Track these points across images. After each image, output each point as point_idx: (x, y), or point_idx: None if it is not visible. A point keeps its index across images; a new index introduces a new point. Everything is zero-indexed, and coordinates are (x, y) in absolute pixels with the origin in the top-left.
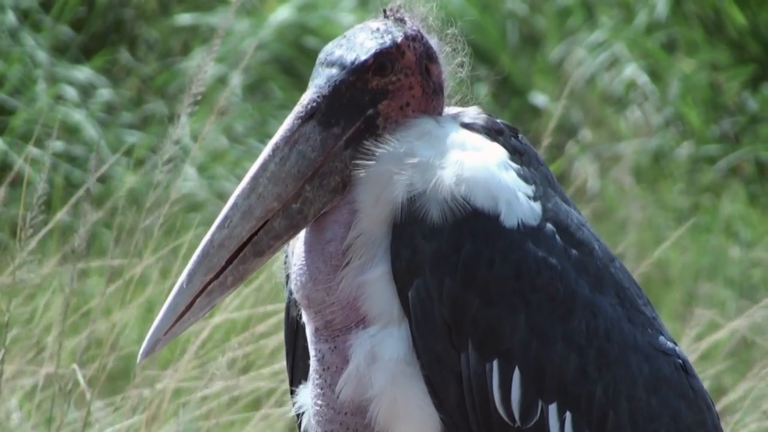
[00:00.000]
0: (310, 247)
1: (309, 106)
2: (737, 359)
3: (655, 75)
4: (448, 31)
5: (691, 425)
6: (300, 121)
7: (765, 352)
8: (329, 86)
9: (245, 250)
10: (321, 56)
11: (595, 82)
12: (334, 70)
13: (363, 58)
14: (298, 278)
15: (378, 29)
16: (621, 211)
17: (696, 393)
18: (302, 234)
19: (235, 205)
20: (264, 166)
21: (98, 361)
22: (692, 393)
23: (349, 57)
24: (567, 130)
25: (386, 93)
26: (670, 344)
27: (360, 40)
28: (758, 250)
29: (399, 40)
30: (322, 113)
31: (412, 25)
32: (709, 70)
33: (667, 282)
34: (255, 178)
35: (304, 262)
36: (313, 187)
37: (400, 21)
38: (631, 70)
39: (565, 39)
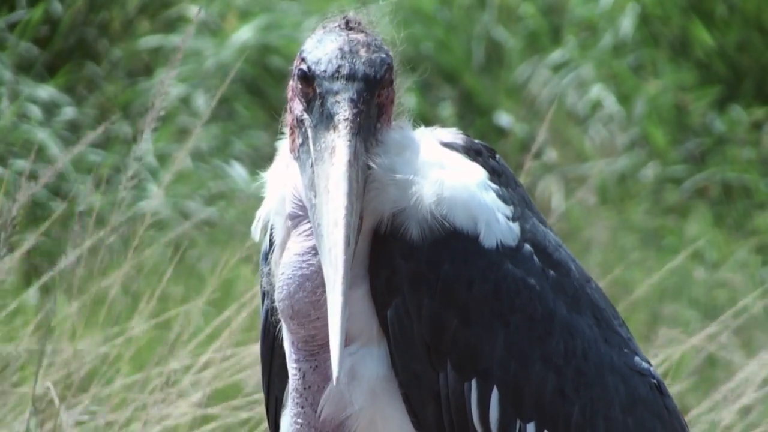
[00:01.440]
0: (301, 257)
1: (356, 122)
2: (701, 378)
3: (621, 95)
4: (392, 41)
5: None
6: (355, 137)
7: (727, 369)
8: (363, 101)
9: None
10: (325, 69)
11: (561, 102)
12: (362, 85)
13: (381, 72)
14: (285, 287)
15: (369, 43)
16: (586, 231)
17: (670, 413)
18: (290, 242)
19: (348, 223)
20: (350, 183)
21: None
22: (667, 413)
23: (370, 71)
24: (531, 150)
25: (383, 107)
26: (645, 365)
27: (365, 54)
28: (723, 271)
29: (391, 53)
30: (363, 129)
31: (376, 37)
32: (675, 91)
33: (632, 302)
34: (349, 195)
35: (293, 272)
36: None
37: (366, 33)
38: (597, 91)
39: (530, 59)
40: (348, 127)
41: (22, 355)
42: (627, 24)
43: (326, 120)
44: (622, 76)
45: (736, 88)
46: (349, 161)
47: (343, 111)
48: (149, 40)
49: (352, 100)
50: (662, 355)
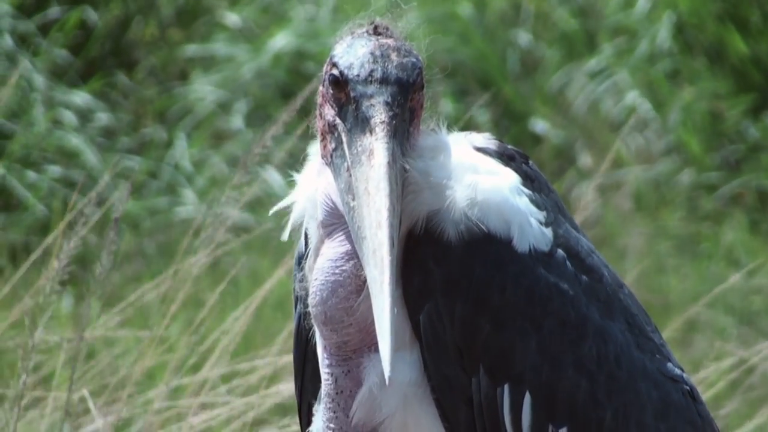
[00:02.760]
0: (334, 263)
1: (392, 124)
2: (738, 387)
3: (657, 102)
4: (417, 46)
5: None
6: (392, 139)
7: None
8: (397, 105)
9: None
10: (358, 73)
11: (597, 109)
12: (395, 88)
13: (413, 76)
14: (318, 293)
15: (399, 48)
16: (622, 237)
17: (703, 420)
18: (324, 249)
19: (391, 224)
20: (391, 184)
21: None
22: (700, 420)
23: (403, 75)
24: (568, 157)
25: (414, 111)
26: (677, 371)
27: (397, 59)
28: (759, 278)
29: (420, 58)
30: (398, 132)
31: (404, 42)
32: (711, 99)
33: (668, 309)
34: (391, 196)
35: (326, 278)
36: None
37: (391, 38)
38: (633, 97)
39: (565, 66)
40: (385, 130)
41: (53, 361)
42: (663, 31)
43: (362, 123)
44: (657, 83)
45: None
46: (389, 163)
47: (379, 114)
48: (185, 48)
49: (387, 103)
50: (711, 367)
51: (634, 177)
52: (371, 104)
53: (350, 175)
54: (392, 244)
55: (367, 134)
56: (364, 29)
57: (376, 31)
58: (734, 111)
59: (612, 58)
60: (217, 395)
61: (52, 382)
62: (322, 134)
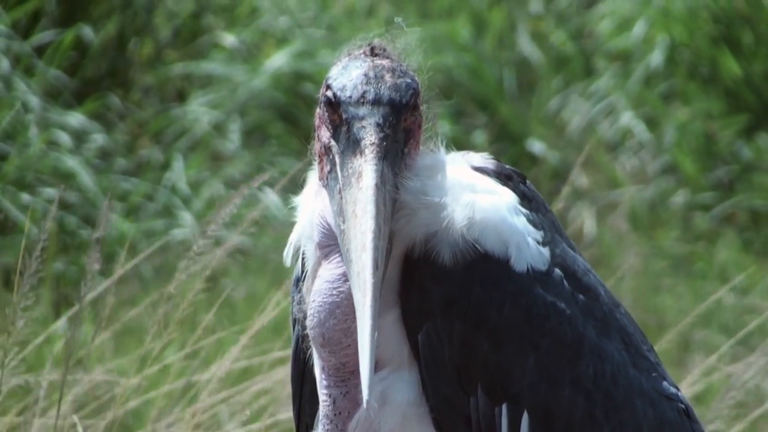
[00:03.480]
0: (331, 285)
1: (382, 146)
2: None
3: (652, 124)
4: (416, 66)
5: None
6: (381, 161)
7: (756, 394)
8: (389, 126)
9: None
10: (351, 94)
11: (593, 131)
12: (387, 110)
13: (406, 97)
14: (316, 315)
15: (394, 69)
16: (617, 257)
17: None
18: (321, 270)
19: (376, 246)
20: (378, 207)
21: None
22: None
23: (395, 96)
24: (564, 177)
25: (410, 132)
26: (673, 389)
27: (391, 80)
28: (752, 297)
29: (416, 78)
30: (390, 153)
31: (401, 63)
32: (705, 119)
33: (663, 328)
34: (377, 219)
35: (324, 300)
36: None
37: (391, 60)
38: (628, 119)
39: (562, 87)
40: (374, 152)
41: (43, 384)
42: (657, 54)
43: (353, 145)
44: (652, 104)
45: (764, 116)
46: (376, 185)
47: (369, 136)
48: (181, 68)
49: (378, 124)
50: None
51: (630, 197)
52: (362, 126)
53: (342, 198)
54: (376, 267)
55: (358, 156)
56: (361, 51)
57: (373, 53)
58: (727, 132)
59: (608, 80)
60: (214, 422)
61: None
62: (319, 156)
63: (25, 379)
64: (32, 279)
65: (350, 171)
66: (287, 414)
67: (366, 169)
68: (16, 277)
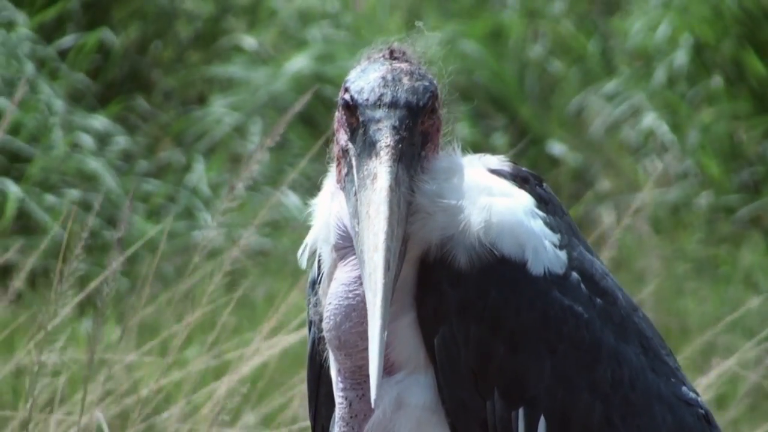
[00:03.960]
0: (347, 288)
1: (398, 148)
2: (754, 408)
3: (675, 125)
4: (437, 70)
5: None
6: (396, 163)
7: None
8: (405, 128)
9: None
10: (368, 97)
11: (614, 132)
12: (404, 112)
13: (424, 100)
14: (332, 317)
15: (413, 72)
16: (639, 260)
17: None
18: (337, 273)
19: (388, 247)
20: (391, 208)
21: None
22: None
23: (412, 99)
24: (585, 180)
25: (428, 135)
26: (692, 394)
27: (408, 83)
28: None
29: (435, 81)
30: (405, 156)
31: (420, 66)
32: (729, 121)
33: (686, 332)
34: (390, 220)
35: (339, 303)
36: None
37: (410, 63)
38: (650, 120)
39: (583, 88)
40: (389, 154)
41: (67, 383)
42: (681, 53)
43: (369, 148)
44: (675, 105)
45: None
46: (390, 186)
47: (384, 138)
48: (202, 70)
49: (394, 127)
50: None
51: (652, 200)
52: (378, 128)
53: (357, 200)
54: (387, 268)
55: (373, 158)
56: (381, 54)
57: (392, 56)
58: (753, 133)
59: (630, 81)
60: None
61: (58, 403)
62: (337, 159)
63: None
64: (71, 278)
65: (366, 173)
66: (304, 416)
67: (381, 170)
68: (54, 281)
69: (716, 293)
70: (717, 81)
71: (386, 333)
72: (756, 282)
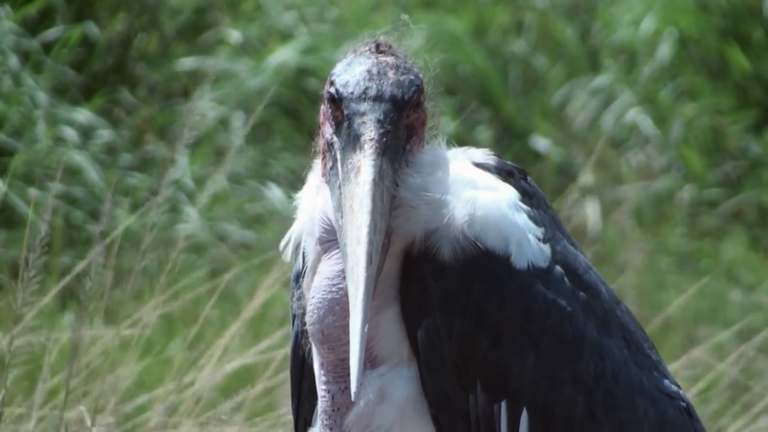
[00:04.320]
0: (331, 281)
1: (382, 142)
2: (733, 401)
3: (658, 119)
4: (423, 64)
5: None
6: (380, 157)
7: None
8: (389, 122)
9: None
10: (353, 90)
11: (597, 126)
12: (389, 106)
13: (409, 93)
14: (315, 311)
15: (398, 66)
16: (622, 254)
17: None
18: (321, 266)
19: (371, 241)
20: (374, 202)
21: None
22: None
23: (397, 92)
24: (569, 173)
25: (413, 128)
26: (674, 388)
27: (394, 76)
28: (759, 294)
29: (421, 75)
30: (389, 149)
31: (406, 60)
32: (712, 115)
33: (667, 325)
34: (372, 214)
35: (323, 296)
36: (389, 224)
37: (396, 56)
38: (634, 114)
39: (567, 83)
40: (374, 147)
41: (48, 378)
42: (665, 48)
43: (353, 141)
44: (658, 99)
45: None
46: (374, 180)
47: (369, 131)
48: (186, 63)
49: (378, 120)
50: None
51: (635, 193)
52: (363, 122)
53: (341, 193)
54: (370, 261)
55: (357, 151)
56: (367, 47)
57: (378, 50)
58: (735, 127)
59: (614, 75)
60: (214, 414)
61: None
62: (322, 153)
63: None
64: (37, 267)
65: (350, 166)
66: (286, 409)
67: (365, 164)
68: (20, 270)
69: (698, 287)
70: (701, 75)
71: (368, 327)
72: (737, 276)
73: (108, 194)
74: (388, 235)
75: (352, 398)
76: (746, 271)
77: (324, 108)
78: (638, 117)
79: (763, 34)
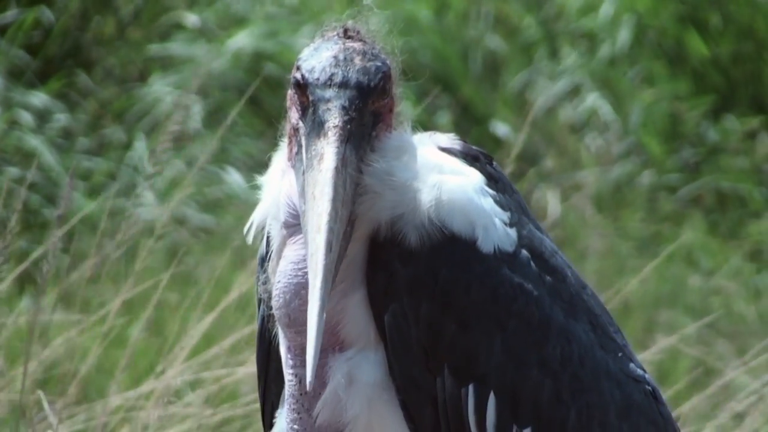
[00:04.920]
0: (296, 266)
1: (346, 129)
2: (694, 384)
3: (617, 104)
4: (392, 50)
5: None
6: (344, 144)
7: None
8: (354, 109)
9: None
10: (318, 77)
11: (557, 111)
12: (354, 93)
13: (375, 80)
14: (281, 295)
15: (365, 52)
16: (582, 239)
17: (665, 420)
18: (286, 251)
19: (330, 229)
20: (336, 189)
21: (63, 390)
22: (662, 420)
23: (363, 79)
24: (529, 159)
25: (379, 115)
26: (640, 371)
27: (360, 63)
28: (717, 278)
29: (388, 62)
30: (354, 136)
31: (376, 46)
32: (671, 100)
33: (627, 309)
34: (334, 201)
35: (289, 280)
36: (353, 210)
37: (364, 42)
38: (593, 99)
39: (526, 68)
40: (337, 134)
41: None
42: (623, 33)
43: (317, 127)
44: (617, 85)
45: (730, 97)
46: (336, 168)
47: (333, 118)
48: (144, 48)
49: (343, 107)
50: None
51: (595, 178)
52: (327, 108)
53: (304, 180)
54: (329, 249)
55: (321, 138)
56: (335, 32)
57: (346, 35)
58: (694, 113)
59: (573, 60)
60: (179, 401)
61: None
62: (288, 137)
63: None
64: (4, 254)
65: (313, 153)
66: (253, 394)
67: (327, 151)
68: None
69: (658, 271)
70: (659, 61)
71: (328, 313)
72: (697, 260)
73: (66, 178)
74: (351, 222)
75: (307, 387)
76: (705, 255)
77: (291, 93)
78: (597, 102)
79: (721, 19)
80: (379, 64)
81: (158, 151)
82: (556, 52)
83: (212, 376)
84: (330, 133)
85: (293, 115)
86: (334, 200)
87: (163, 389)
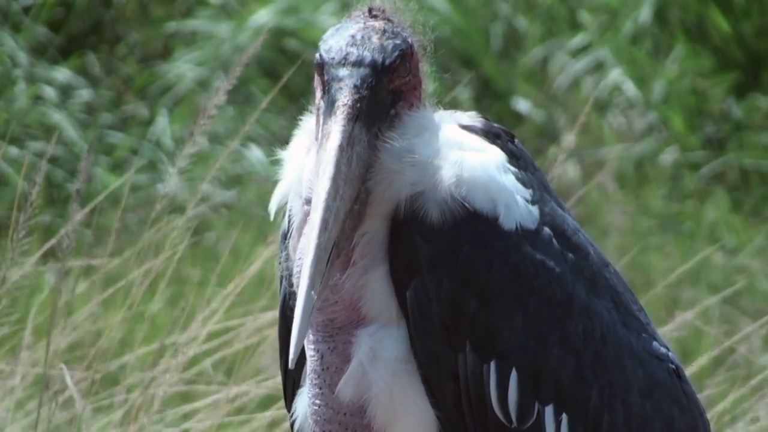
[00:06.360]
0: None
1: (355, 107)
2: (717, 362)
3: (640, 80)
4: (421, 29)
5: (683, 430)
6: (351, 123)
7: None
8: (366, 87)
9: (331, 253)
10: (334, 56)
11: (579, 87)
12: (367, 71)
13: (391, 58)
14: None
15: (385, 30)
16: (604, 216)
17: (689, 398)
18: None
19: (327, 207)
20: (338, 168)
21: (85, 363)
22: (685, 398)
23: (378, 57)
24: (550, 135)
25: (401, 93)
26: (663, 349)
27: (377, 41)
28: (741, 257)
29: (410, 40)
30: (365, 114)
31: (401, 25)
32: (694, 77)
33: (650, 287)
34: (334, 180)
35: None
36: (364, 189)
37: (388, 21)
38: (616, 75)
39: (548, 43)
40: (345, 113)
41: (42, 338)
42: (645, 9)
43: (330, 106)
44: (640, 60)
45: (754, 74)
46: (340, 146)
47: (342, 97)
48: (166, 24)
49: (354, 86)
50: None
51: (617, 155)
52: (339, 87)
53: (317, 158)
54: (324, 228)
55: (332, 117)
56: (360, 12)
57: (371, 14)
58: (717, 89)
59: (594, 36)
60: (200, 373)
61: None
62: (316, 116)
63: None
64: (26, 228)
65: (324, 132)
66: (275, 370)
67: (334, 130)
68: (10, 230)
69: (680, 248)
70: (681, 37)
71: (315, 294)
72: (719, 237)
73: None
74: (361, 202)
75: (290, 365)
76: (728, 233)
77: (316, 72)
78: (620, 78)
79: None
80: (398, 42)
81: (194, 133)
82: (579, 27)
83: (233, 351)
84: (338, 112)
85: (317, 94)
86: (335, 179)
87: (182, 364)
